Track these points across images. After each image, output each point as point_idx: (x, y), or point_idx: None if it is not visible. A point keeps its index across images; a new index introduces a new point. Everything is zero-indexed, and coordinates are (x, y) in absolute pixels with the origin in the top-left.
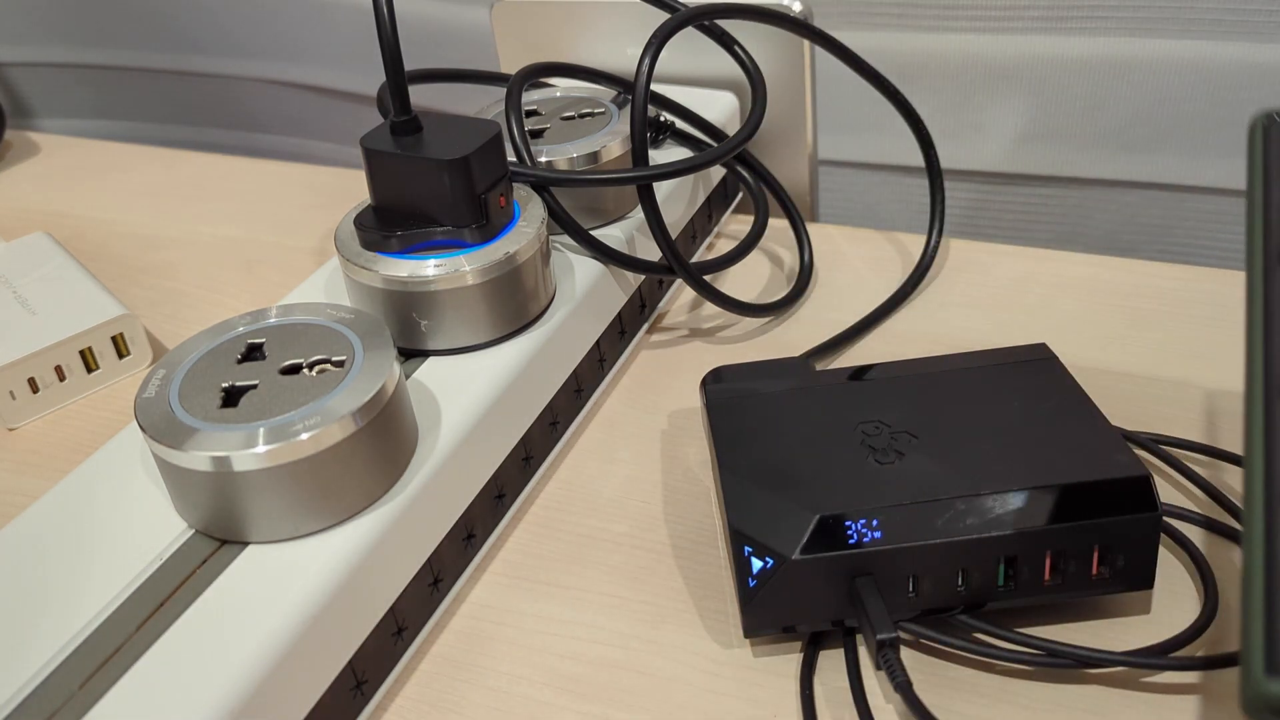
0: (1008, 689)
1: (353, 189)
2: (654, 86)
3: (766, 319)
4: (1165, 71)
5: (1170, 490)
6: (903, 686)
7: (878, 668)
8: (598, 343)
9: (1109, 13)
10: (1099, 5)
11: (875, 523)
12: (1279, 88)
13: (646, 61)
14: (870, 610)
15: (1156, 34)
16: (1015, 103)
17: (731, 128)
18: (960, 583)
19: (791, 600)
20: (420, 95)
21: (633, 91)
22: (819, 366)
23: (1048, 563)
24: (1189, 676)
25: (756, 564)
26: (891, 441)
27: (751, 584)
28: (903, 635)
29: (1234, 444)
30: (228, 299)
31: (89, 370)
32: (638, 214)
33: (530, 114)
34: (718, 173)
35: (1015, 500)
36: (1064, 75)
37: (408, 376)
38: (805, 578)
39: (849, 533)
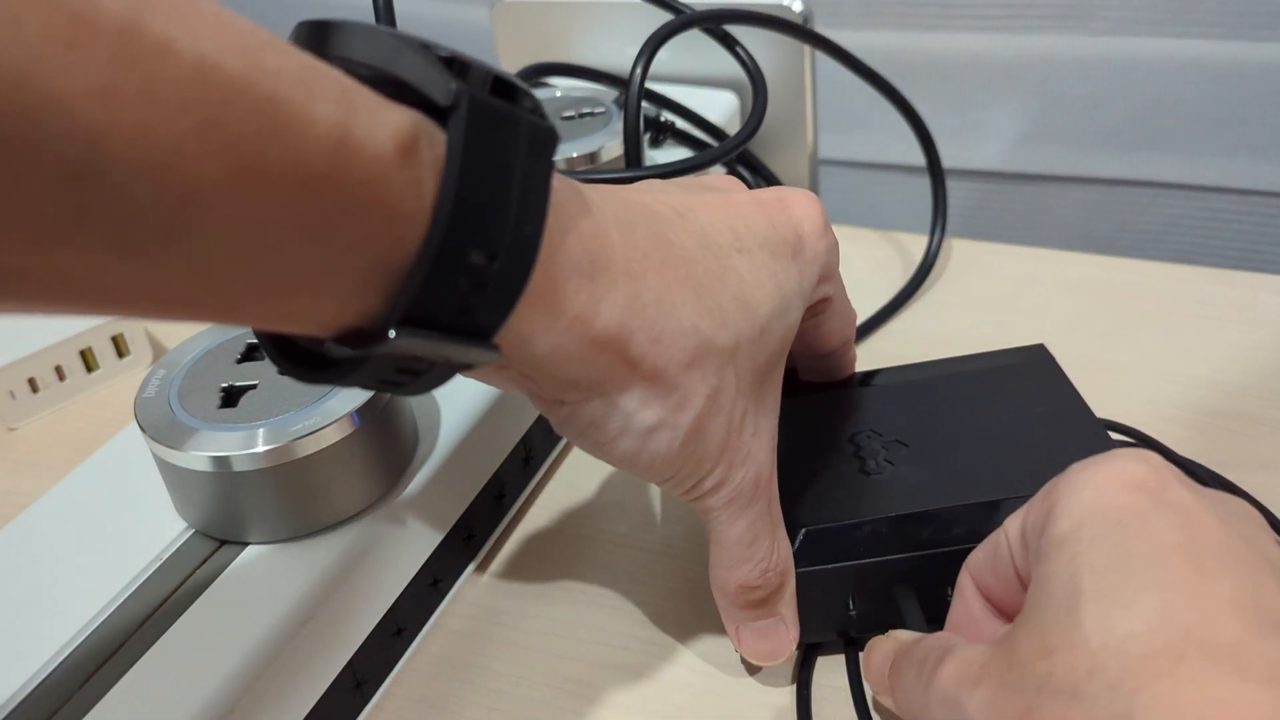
0: None
1: None
2: (655, 86)
3: None
4: (1165, 71)
5: None
6: None
7: None
8: None
9: (1109, 13)
10: (1099, 5)
11: (862, 535)
12: (1277, 86)
13: (639, 67)
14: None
15: (1156, 33)
16: (1016, 102)
17: (732, 127)
18: (950, 594)
19: None
20: None
21: (625, 96)
22: None
23: None
24: None
25: None
26: (883, 451)
27: None
28: None
29: (1233, 443)
30: None
31: (89, 370)
32: None
33: None
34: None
35: (1003, 510)
36: (1065, 75)
37: None
38: (796, 591)
39: (836, 546)
